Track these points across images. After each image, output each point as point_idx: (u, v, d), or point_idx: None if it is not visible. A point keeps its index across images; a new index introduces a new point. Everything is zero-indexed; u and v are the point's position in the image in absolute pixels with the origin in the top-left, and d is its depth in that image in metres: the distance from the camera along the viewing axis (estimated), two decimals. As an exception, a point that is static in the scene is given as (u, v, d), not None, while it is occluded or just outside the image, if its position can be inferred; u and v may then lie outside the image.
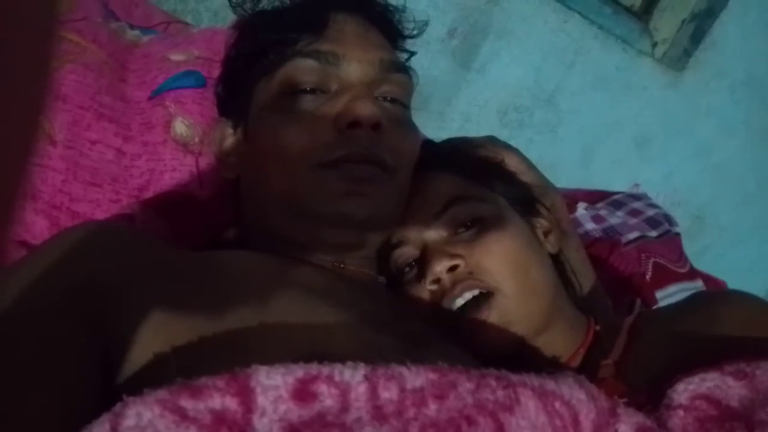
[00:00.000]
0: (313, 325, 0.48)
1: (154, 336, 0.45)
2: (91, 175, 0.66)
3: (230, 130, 0.68)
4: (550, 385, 0.45)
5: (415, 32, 0.73)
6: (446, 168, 0.73)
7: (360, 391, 0.37)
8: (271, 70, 0.63)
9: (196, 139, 0.71)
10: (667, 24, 1.49)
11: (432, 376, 0.40)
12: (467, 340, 0.65)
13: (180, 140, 0.71)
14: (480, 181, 0.73)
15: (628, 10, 1.57)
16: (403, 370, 0.39)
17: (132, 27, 0.86)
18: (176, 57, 0.79)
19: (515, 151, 0.82)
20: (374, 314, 0.54)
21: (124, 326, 0.46)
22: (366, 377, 0.38)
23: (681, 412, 0.50)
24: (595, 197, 1.26)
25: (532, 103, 1.45)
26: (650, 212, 1.19)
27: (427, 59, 1.37)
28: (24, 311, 0.44)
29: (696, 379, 0.51)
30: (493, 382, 0.41)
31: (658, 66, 1.51)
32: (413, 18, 0.73)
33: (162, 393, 0.35)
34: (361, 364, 0.39)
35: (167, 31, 0.94)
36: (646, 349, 0.66)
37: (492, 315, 0.65)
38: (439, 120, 1.43)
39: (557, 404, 0.43)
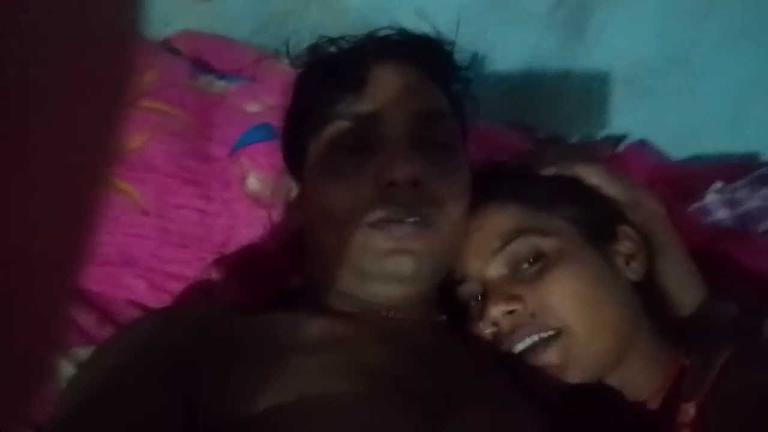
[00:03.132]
0: (333, 408, 0.51)
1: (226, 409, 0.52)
2: (179, 238, 0.74)
3: (293, 183, 0.72)
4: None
5: (464, 67, 0.71)
6: (510, 197, 0.70)
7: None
8: (317, 130, 0.66)
9: (268, 192, 0.76)
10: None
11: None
12: (530, 384, 0.64)
13: (253, 195, 0.76)
14: (547, 208, 0.69)
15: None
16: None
17: (220, 77, 0.93)
18: (251, 108, 0.84)
19: (596, 163, 0.76)
20: (405, 379, 0.56)
21: (202, 401, 0.53)
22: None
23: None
24: (735, 172, 1.10)
25: (662, 65, 1.30)
26: (803, 188, 1.01)
27: (535, 37, 1.29)
28: (123, 387, 0.52)
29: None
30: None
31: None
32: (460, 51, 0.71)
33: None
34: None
35: (259, 70, 0.99)
36: (731, 395, 0.59)
37: (557, 357, 0.63)
38: (555, 96, 1.34)
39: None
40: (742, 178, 1.09)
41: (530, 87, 1.33)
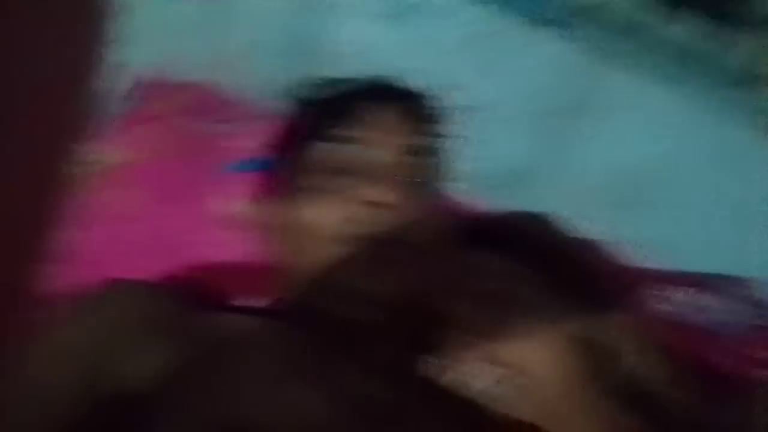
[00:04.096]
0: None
1: None
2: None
3: (274, 207, 0.74)
4: None
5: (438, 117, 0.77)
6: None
7: None
8: (302, 152, 0.70)
9: (250, 215, 0.78)
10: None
11: None
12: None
13: (230, 218, 0.79)
14: None
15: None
16: None
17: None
18: (244, 144, 0.88)
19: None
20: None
21: None
22: None
23: None
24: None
25: (638, 182, 1.36)
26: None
27: (507, 141, 1.34)
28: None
29: None
30: None
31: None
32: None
33: None
34: None
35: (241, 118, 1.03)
36: None
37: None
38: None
39: None
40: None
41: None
